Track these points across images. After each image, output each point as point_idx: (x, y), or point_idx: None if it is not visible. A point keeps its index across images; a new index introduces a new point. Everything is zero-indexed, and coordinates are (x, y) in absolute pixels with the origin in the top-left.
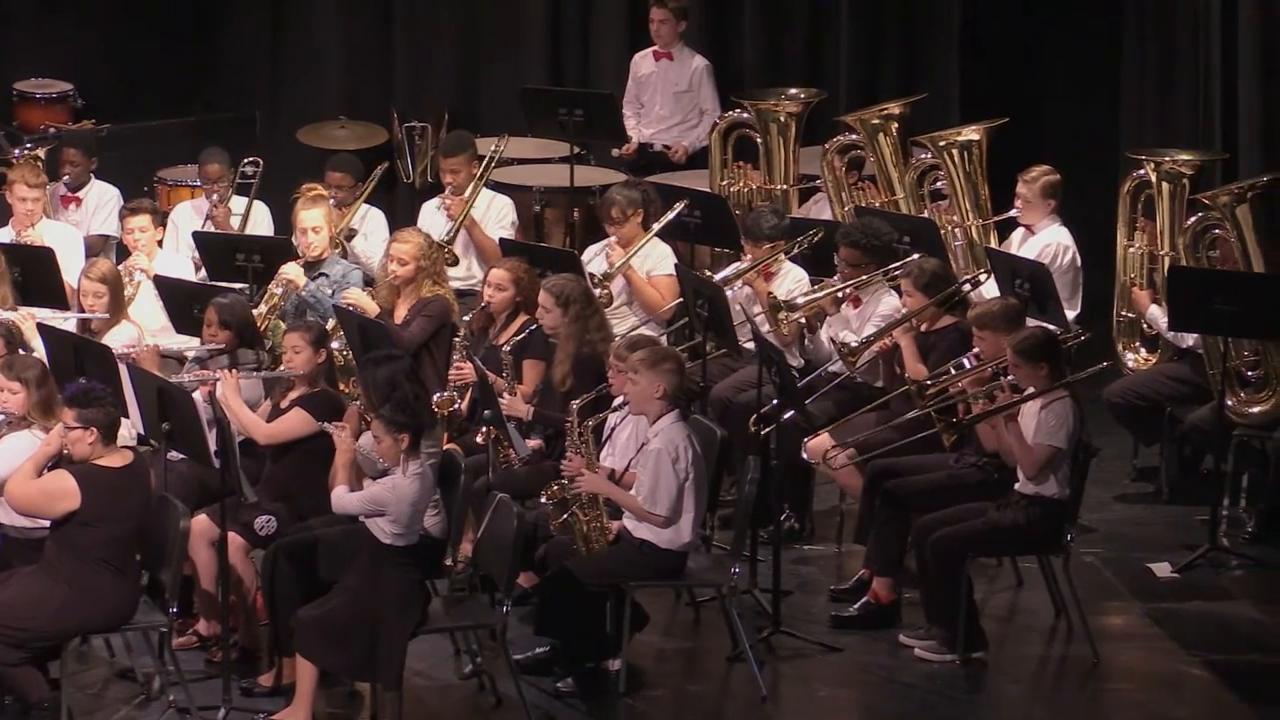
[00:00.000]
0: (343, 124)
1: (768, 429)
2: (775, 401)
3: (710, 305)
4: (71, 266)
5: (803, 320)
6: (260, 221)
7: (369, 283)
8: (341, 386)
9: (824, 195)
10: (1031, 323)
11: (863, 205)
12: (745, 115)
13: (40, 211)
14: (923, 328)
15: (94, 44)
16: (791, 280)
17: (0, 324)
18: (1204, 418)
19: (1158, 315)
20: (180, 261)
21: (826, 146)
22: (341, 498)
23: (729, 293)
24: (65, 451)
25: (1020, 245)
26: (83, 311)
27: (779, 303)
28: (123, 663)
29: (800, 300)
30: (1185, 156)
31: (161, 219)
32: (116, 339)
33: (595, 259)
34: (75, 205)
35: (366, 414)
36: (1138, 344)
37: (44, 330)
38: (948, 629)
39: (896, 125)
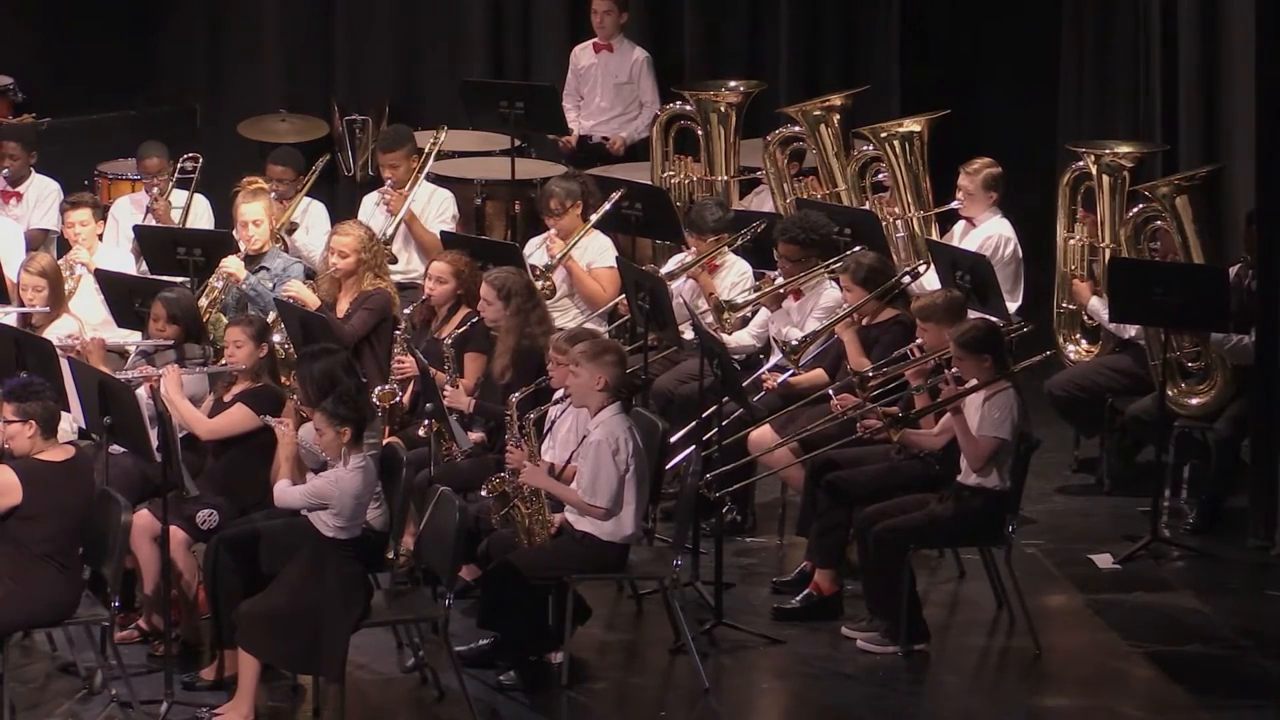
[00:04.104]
0: (283, 117)
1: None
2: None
3: (652, 298)
4: (11, 261)
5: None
6: (201, 215)
7: (310, 276)
8: (284, 380)
9: (765, 187)
10: (973, 314)
11: (804, 197)
12: (686, 106)
13: None
14: (865, 322)
15: (33, 38)
16: (735, 273)
17: None
18: (1145, 409)
19: (1098, 307)
20: (121, 255)
21: (768, 138)
22: (284, 491)
23: (672, 286)
24: (5, 446)
25: (962, 237)
26: (23, 306)
27: (723, 304)
28: (65, 657)
29: (741, 299)
30: (1125, 149)
31: (102, 213)
32: (57, 333)
33: (536, 252)
34: (15, 200)
35: (302, 409)
36: (1079, 335)
37: None
38: (890, 621)
39: (838, 116)
